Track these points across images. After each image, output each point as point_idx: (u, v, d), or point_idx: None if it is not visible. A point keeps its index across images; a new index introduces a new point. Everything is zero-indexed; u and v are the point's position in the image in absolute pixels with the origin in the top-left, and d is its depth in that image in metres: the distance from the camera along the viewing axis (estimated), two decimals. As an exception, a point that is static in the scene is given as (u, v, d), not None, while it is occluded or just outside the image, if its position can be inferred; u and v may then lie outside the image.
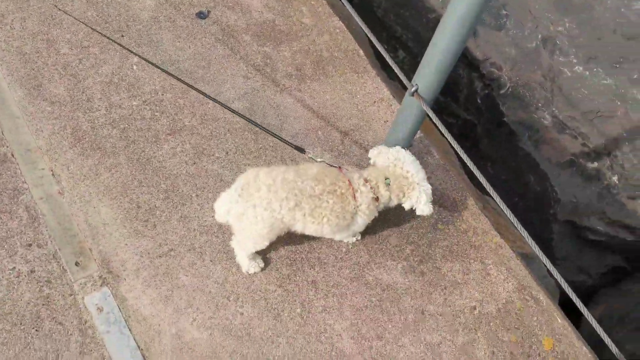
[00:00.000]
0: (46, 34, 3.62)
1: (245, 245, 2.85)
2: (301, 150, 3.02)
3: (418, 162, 2.85)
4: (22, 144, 3.27)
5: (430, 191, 2.82)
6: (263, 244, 2.81)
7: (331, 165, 2.85)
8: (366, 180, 2.77)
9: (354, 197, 2.73)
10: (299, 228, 2.75)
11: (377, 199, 2.79)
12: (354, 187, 2.74)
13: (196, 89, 3.11)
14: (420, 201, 2.81)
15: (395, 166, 2.81)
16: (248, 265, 3.02)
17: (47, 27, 3.65)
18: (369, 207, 2.78)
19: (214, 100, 3.11)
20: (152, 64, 3.32)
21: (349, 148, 3.52)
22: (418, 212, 2.81)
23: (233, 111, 3.12)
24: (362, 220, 2.85)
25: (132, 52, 3.46)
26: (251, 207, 2.61)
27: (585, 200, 4.50)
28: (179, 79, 3.15)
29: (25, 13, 3.67)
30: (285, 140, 3.11)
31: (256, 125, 3.10)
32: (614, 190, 4.43)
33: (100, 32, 3.56)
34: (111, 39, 3.48)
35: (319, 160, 2.95)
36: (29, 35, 3.60)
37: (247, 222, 2.66)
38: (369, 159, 2.95)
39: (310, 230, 2.77)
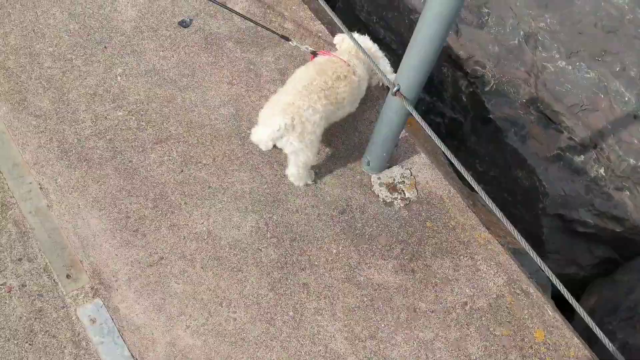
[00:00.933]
0: (29, 48, 3.62)
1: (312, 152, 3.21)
2: (287, 38, 3.62)
3: (376, 44, 3.52)
4: (9, 159, 3.27)
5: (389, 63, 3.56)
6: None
7: (314, 53, 3.45)
8: (356, 57, 3.34)
9: (354, 73, 3.28)
10: (336, 116, 3.33)
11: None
12: (351, 65, 3.28)
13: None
14: (386, 71, 3.49)
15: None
16: (308, 175, 3.37)
17: (30, 41, 3.65)
18: (363, 73, 3.39)
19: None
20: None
21: (336, 149, 3.54)
22: (387, 82, 3.16)
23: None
24: (364, 86, 3.45)
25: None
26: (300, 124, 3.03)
27: (574, 193, 4.53)
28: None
29: (7, 28, 3.68)
30: (271, 29, 3.70)
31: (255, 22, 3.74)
32: (601, 182, 4.47)
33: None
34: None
35: (302, 47, 3.56)
36: (12, 50, 3.60)
37: (307, 130, 3.06)
38: (335, 44, 3.55)
39: (338, 115, 3.32)
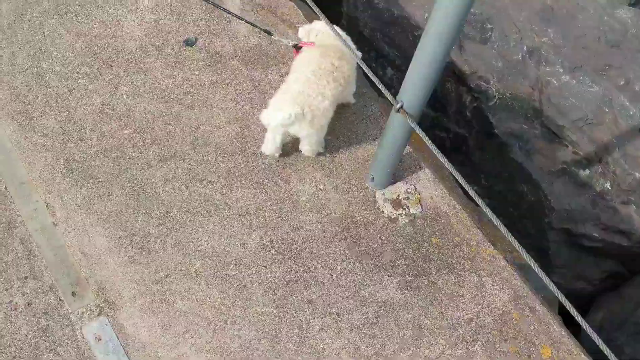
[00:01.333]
0: (36, 67, 3.66)
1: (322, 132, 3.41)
2: (268, 33, 3.73)
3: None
4: (16, 177, 3.30)
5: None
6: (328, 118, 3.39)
7: (296, 47, 3.55)
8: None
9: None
10: (343, 96, 3.48)
11: None
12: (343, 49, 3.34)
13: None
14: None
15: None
16: (320, 146, 3.54)
17: (37, 60, 3.69)
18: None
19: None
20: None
21: (340, 166, 3.55)
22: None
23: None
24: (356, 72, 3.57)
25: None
26: (309, 111, 3.20)
27: (580, 207, 4.51)
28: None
29: (15, 47, 3.72)
30: (252, 23, 3.83)
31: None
32: (607, 196, 4.45)
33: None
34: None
35: (284, 41, 3.68)
36: (19, 69, 3.64)
37: (317, 116, 3.23)
38: (300, 39, 3.61)
39: (344, 94, 3.49)
